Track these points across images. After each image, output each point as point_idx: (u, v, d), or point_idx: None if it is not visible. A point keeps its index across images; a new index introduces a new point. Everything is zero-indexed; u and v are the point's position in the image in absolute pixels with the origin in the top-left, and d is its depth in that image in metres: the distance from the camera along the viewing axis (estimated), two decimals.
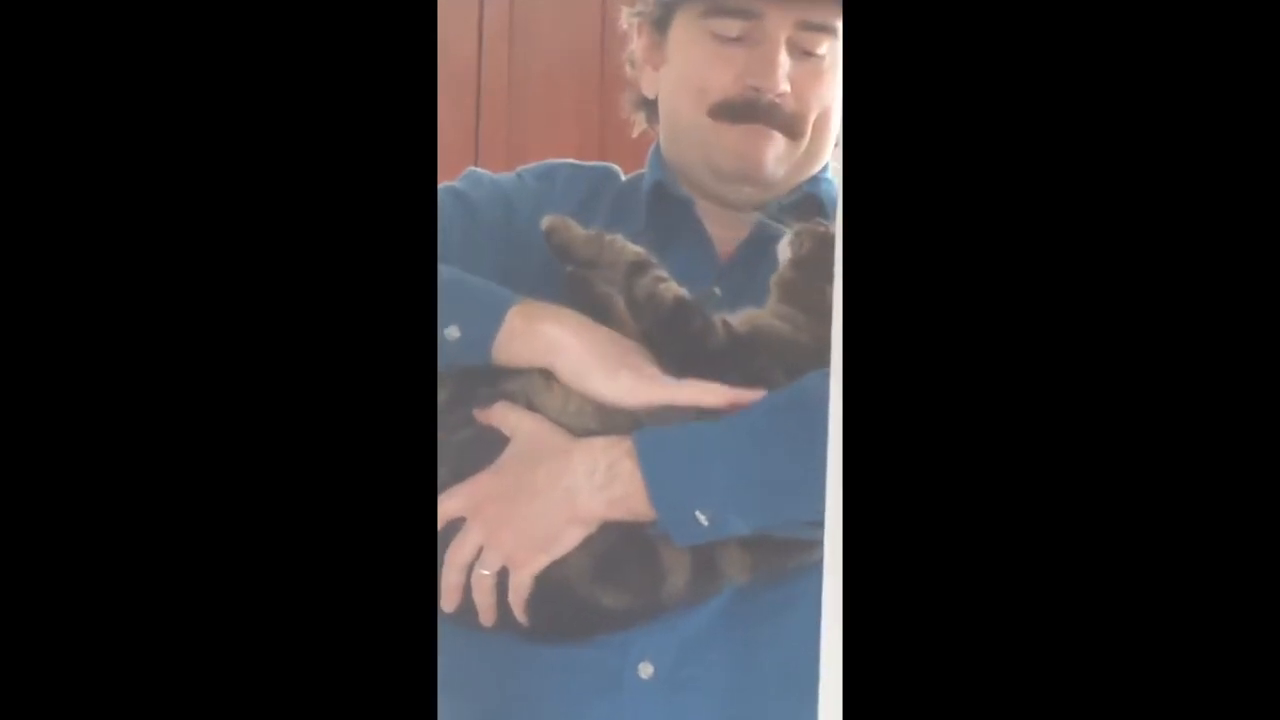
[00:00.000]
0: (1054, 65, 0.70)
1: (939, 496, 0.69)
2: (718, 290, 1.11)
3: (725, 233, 1.18)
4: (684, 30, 1.18)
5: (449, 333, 1.05)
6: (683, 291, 1.05)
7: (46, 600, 0.70)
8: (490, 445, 1.07)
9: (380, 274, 0.74)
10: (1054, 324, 0.69)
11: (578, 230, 1.09)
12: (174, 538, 0.71)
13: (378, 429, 0.74)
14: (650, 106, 1.24)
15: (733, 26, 1.14)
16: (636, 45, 1.24)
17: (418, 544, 0.76)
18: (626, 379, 1.04)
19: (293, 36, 0.74)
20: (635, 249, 1.07)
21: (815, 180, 1.17)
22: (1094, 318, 0.68)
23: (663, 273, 1.06)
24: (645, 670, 1.04)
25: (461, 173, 1.25)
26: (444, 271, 0.98)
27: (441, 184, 1.15)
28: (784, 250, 1.08)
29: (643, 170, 1.24)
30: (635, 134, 1.28)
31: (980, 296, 0.69)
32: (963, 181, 0.69)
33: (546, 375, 1.05)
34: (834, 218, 1.02)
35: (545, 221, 1.09)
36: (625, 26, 1.25)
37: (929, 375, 0.70)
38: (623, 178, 1.25)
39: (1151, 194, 0.68)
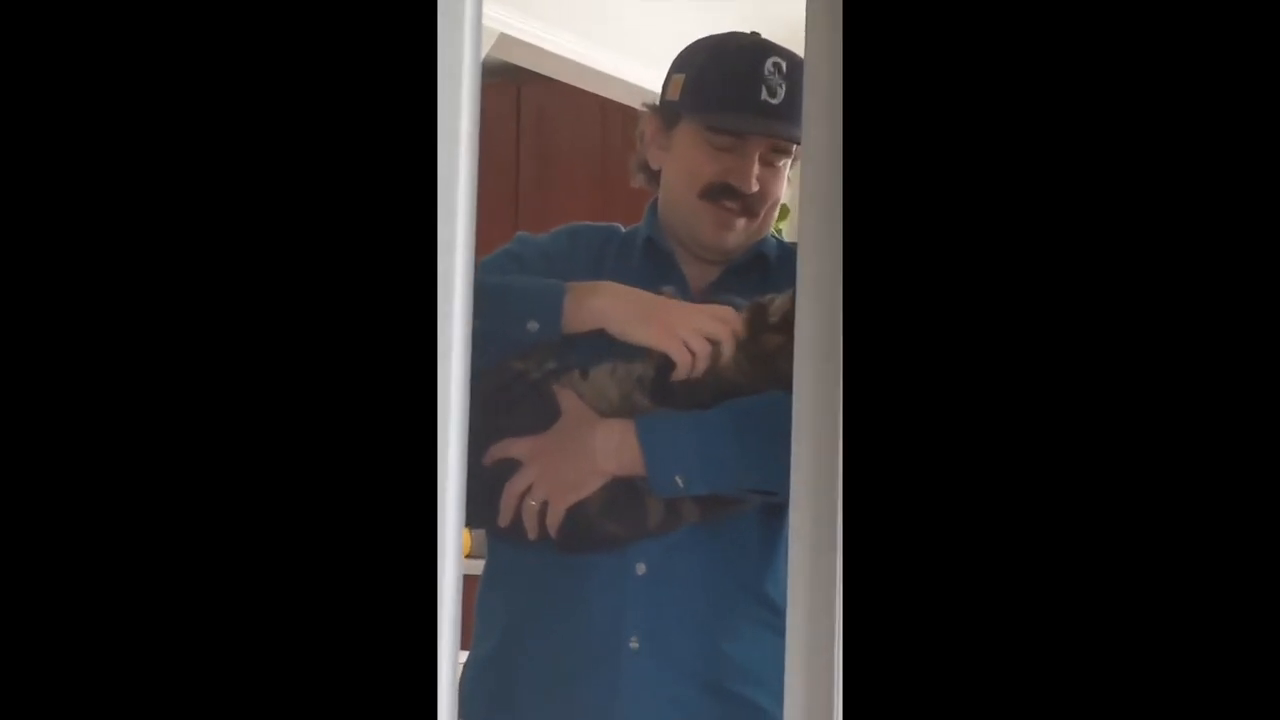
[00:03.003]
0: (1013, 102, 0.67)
1: (933, 486, 0.69)
2: None
3: (697, 275, 1.50)
4: (687, 133, 1.46)
5: (530, 326, 1.35)
6: None
7: (60, 601, 0.66)
8: (546, 413, 1.37)
9: (382, 277, 0.75)
10: (1046, 328, 0.67)
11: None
12: (175, 534, 0.70)
13: (382, 430, 0.73)
14: (651, 173, 1.53)
15: (725, 141, 1.43)
16: (646, 127, 1.50)
17: (418, 543, 0.75)
18: (655, 328, 1.36)
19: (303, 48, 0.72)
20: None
21: (763, 241, 1.51)
22: (1089, 327, 0.67)
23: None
24: (640, 569, 1.39)
25: (512, 236, 1.53)
26: (506, 279, 1.31)
27: (498, 249, 1.48)
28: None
29: (638, 225, 1.54)
30: (634, 185, 1.56)
31: (977, 297, 0.68)
32: (946, 191, 0.69)
33: (583, 373, 1.38)
34: (769, 273, 1.43)
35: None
36: (640, 108, 1.52)
37: (926, 374, 0.68)
38: (623, 230, 1.56)
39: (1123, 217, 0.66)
